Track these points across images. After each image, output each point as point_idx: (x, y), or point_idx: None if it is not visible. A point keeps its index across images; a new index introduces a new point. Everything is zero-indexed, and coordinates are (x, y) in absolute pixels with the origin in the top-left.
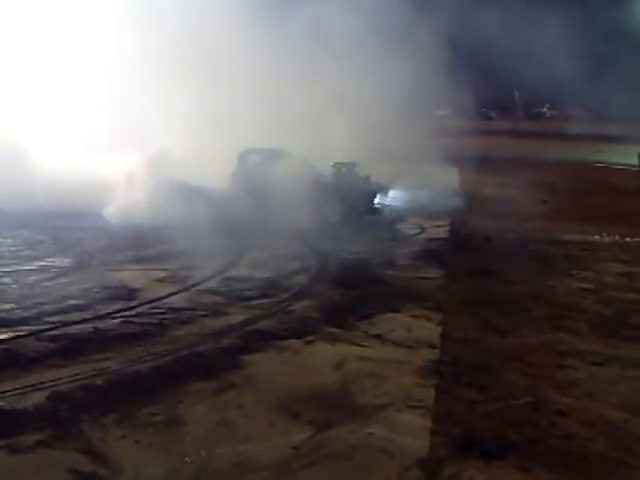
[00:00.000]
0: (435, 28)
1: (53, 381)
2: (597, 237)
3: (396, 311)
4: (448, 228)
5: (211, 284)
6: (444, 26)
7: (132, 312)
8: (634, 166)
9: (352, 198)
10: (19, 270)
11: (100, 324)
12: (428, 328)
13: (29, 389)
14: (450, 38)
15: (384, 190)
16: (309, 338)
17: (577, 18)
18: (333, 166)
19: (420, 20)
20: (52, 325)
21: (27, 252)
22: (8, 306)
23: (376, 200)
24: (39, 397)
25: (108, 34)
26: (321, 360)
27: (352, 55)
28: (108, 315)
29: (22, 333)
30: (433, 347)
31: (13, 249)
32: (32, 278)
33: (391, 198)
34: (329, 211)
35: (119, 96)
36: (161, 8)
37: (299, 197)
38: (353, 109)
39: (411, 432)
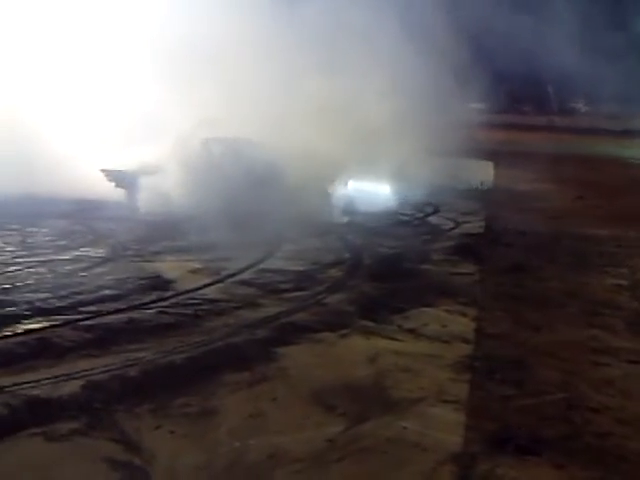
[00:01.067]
0: (468, 22)
1: (87, 371)
2: (633, 233)
3: (430, 305)
4: (482, 223)
5: (245, 276)
6: (477, 20)
7: (167, 303)
8: None
9: None
10: (54, 260)
11: (135, 314)
12: (462, 323)
13: (64, 378)
14: (483, 32)
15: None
16: (343, 331)
17: (614, 13)
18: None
19: (453, 14)
20: (87, 315)
21: (62, 242)
22: (43, 295)
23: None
24: (74, 386)
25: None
26: (355, 353)
27: (379, 47)
28: (143, 305)
29: (57, 322)
30: (467, 342)
31: (48, 239)
32: (67, 268)
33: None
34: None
35: (140, 87)
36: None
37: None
38: (379, 101)
39: (445, 427)
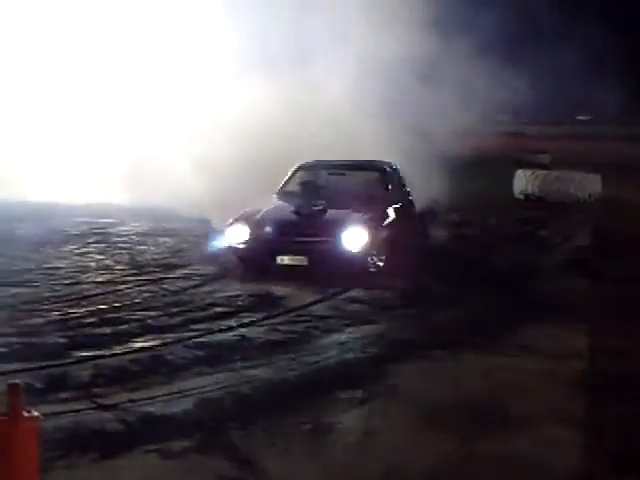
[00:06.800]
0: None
1: (200, 388)
2: None
3: (542, 321)
4: (590, 234)
5: (353, 293)
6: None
7: (277, 320)
8: None
9: None
10: (164, 278)
11: (246, 332)
12: (575, 338)
13: (177, 396)
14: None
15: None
16: (454, 348)
17: None
18: None
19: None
20: (198, 332)
21: (171, 260)
22: (154, 313)
23: None
24: (187, 404)
25: None
26: (467, 370)
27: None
28: (254, 323)
29: (169, 340)
30: (581, 358)
31: (157, 257)
32: (177, 285)
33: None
34: None
35: None
36: None
37: None
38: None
39: (561, 446)
